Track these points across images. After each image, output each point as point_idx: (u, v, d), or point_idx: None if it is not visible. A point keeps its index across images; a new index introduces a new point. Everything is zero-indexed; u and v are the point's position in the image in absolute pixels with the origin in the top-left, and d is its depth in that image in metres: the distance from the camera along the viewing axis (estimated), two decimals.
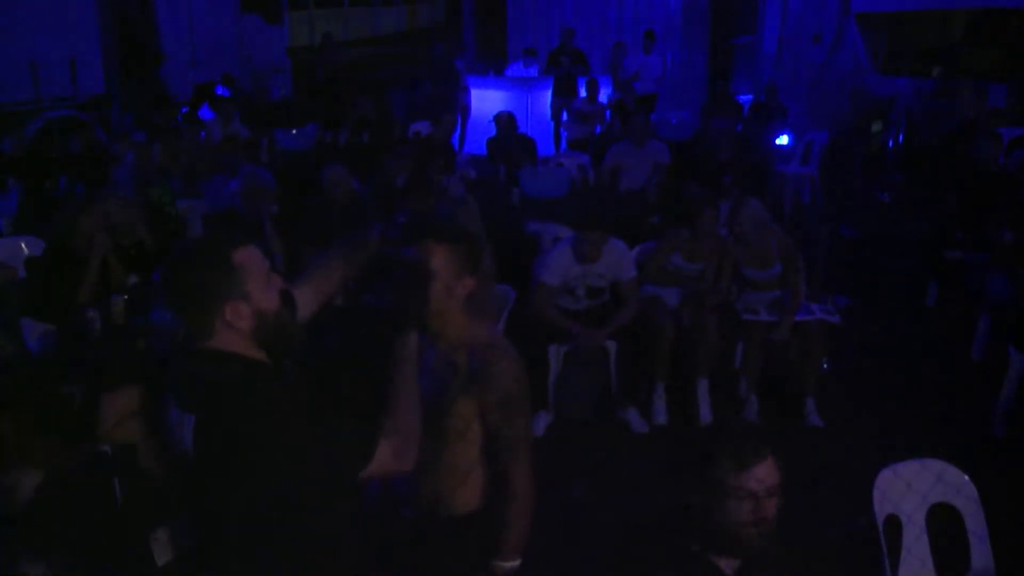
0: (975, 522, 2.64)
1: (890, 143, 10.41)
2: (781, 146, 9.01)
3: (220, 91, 10.60)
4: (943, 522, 2.66)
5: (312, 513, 1.80)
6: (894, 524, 2.62)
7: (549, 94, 10.77)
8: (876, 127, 10.59)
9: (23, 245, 5.22)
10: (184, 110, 10.05)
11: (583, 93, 10.16)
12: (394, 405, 1.83)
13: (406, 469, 1.87)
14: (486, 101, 10.70)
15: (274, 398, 1.72)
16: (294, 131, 9.11)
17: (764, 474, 1.90)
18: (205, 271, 1.72)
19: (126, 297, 4.09)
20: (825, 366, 4.73)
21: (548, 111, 10.78)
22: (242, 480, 1.71)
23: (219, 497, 1.77)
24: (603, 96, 10.07)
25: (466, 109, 10.69)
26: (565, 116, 10.44)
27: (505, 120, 7.93)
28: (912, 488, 2.63)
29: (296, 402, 1.74)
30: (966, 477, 2.66)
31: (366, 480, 1.83)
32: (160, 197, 5.86)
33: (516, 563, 2.13)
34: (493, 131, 8.32)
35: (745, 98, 10.76)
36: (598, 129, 9.47)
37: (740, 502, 1.88)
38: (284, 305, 1.83)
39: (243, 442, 1.67)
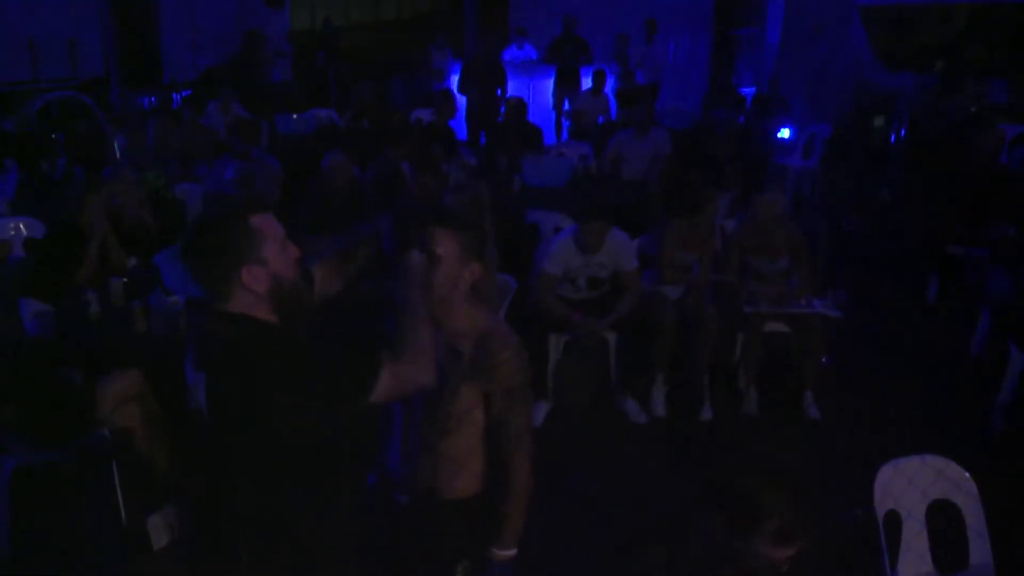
0: (975, 519, 2.64)
1: (892, 138, 10.39)
2: (782, 139, 8.98)
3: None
4: (943, 518, 2.66)
5: (315, 470, 1.83)
6: (894, 519, 2.62)
7: (551, 83, 10.71)
8: (878, 121, 10.55)
9: (21, 226, 5.20)
10: (185, 92, 9.98)
11: (585, 83, 10.08)
12: (405, 324, 1.85)
13: (427, 384, 1.88)
14: None
15: (280, 352, 1.75)
16: (295, 116, 9.07)
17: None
18: (224, 234, 1.76)
19: (125, 280, 4.07)
20: (825, 360, 4.73)
21: (550, 100, 10.71)
22: (249, 433, 1.74)
23: (227, 455, 1.79)
24: (607, 87, 10.01)
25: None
26: (567, 105, 10.39)
27: (514, 105, 7.87)
28: (913, 484, 2.63)
29: (300, 354, 1.77)
30: (967, 474, 2.65)
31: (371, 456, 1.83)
32: (155, 180, 5.82)
33: (512, 552, 2.13)
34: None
35: (748, 90, 10.72)
36: (600, 119, 9.43)
37: (771, 568, 1.84)
38: (300, 275, 1.87)
39: (248, 395, 1.70)
